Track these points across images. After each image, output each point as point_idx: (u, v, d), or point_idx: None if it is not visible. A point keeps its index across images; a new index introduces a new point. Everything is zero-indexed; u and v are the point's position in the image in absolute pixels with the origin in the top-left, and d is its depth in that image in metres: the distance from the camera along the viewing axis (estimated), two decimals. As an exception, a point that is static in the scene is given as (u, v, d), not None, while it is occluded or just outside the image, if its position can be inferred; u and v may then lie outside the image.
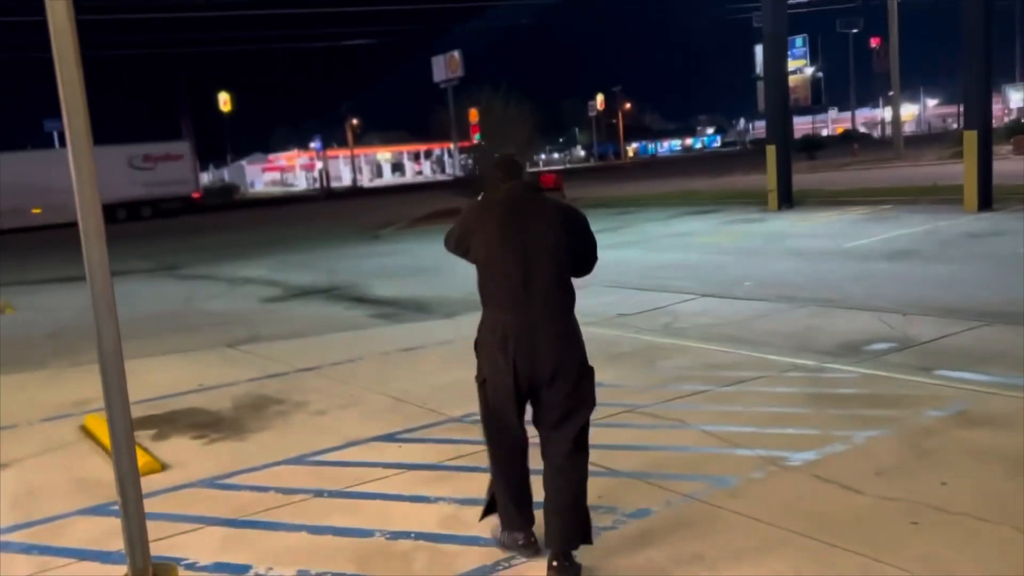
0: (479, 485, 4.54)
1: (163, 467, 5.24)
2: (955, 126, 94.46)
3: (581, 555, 3.58)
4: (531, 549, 3.64)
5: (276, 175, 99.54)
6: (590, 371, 3.58)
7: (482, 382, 3.63)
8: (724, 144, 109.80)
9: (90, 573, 3.89)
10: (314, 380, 7.23)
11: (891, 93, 39.00)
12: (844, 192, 20.91)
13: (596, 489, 4.31)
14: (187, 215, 49.70)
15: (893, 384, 5.84)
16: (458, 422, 5.70)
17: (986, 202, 15.39)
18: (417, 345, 8.34)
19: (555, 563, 3.43)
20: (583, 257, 3.66)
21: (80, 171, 2.08)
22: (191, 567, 3.85)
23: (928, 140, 56.82)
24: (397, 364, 7.64)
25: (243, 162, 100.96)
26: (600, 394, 3.77)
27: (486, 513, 3.79)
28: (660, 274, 12.04)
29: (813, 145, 45.15)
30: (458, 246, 3.74)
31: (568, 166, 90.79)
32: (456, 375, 6.98)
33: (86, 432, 6.08)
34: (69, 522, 4.48)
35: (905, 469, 4.29)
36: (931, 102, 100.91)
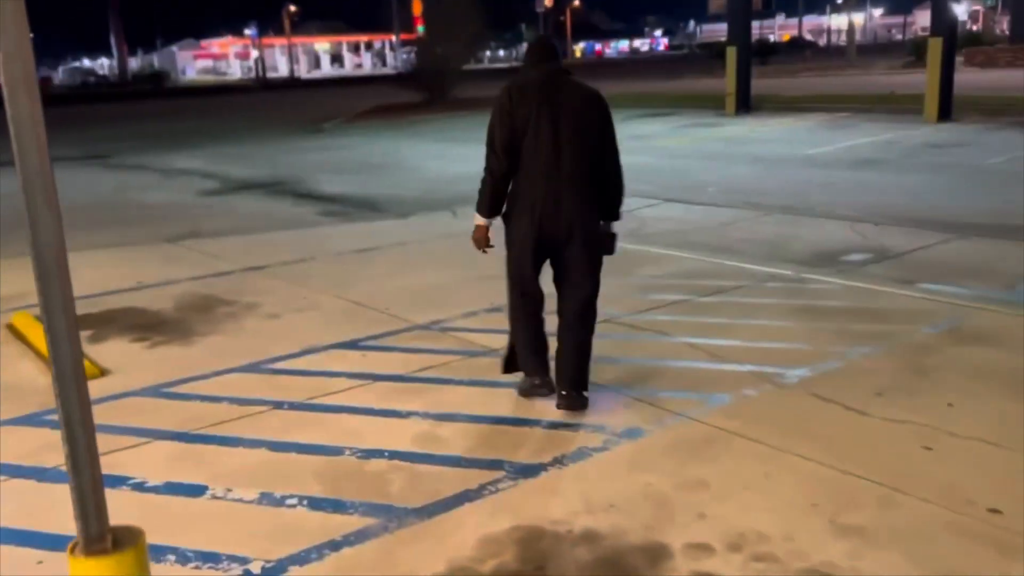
0: (453, 399, 4.22)
1: (102, 372, 4.77)
2: (899, 37, 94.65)
3: (574, 480, 3.29)
4: (546, 388, 4.09)
5: (209, 63, 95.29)
6: (607, 238, 4.15)
7: (510, 245, 4.04)
8: (672, 47, 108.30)
9: (24, 490, 3.47)
10: (264, 280, 6.75)
11: (839, 1, 38.48)
12: (801, 98, 20.61)
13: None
14: (114, 101, 47.38)
15: (878, 297, 5.63)
16: (425, 329, 5.32)
17: (946, 112, 15.25)
18: (372, 246, 7.87)
19: (564, 392, 3.99)
20: (609, 139, 4.05)
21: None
22: (139, 487, 3.46)
23: (876, 50, 56.66)
24: (353, 266, 7.19)
25: (174, 48, 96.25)
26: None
27: (507, 368, 4.25)
28: (620, 177, 11.65)
29: (766, 50, 44.52)
30: (510, 140, 3.95)
31: (514, 63, 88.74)
32: (417, 279, 6.58)
33: (13, 332, 5.54)
34: (-3, 435, 4.03)
35: (907, 389, 4.07)
36: (876, 12, 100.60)
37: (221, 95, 49.92)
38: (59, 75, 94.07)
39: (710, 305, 5.60)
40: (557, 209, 3.87)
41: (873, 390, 4.06)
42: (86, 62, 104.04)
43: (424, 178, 12.63)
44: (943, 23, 15.14)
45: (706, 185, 10.71)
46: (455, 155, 15.38)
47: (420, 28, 31.10)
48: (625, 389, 4.23)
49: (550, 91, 3.92)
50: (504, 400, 4.19)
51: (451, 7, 25.93)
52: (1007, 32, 43.49)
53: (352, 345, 5.07)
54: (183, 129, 24.38)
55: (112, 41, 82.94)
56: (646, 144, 15.18)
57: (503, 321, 5.17)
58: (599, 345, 4.86)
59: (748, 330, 5.07)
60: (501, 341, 4.56)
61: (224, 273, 7.01)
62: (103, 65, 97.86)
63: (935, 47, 15.07)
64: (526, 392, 4.16)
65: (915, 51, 34.82)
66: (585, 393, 4.02)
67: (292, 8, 78.96)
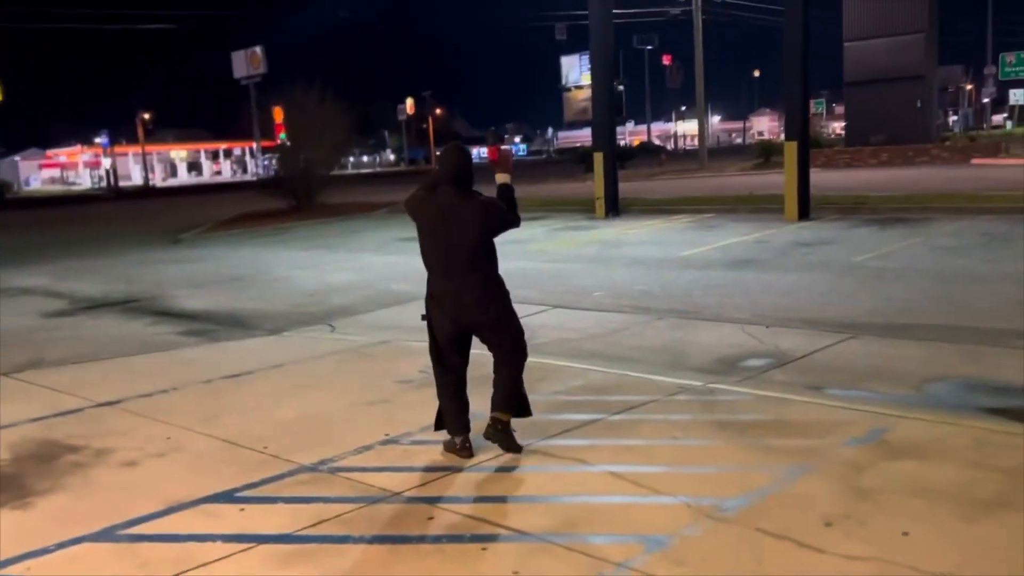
0: (353, 564, 3.59)
1: (-91, 554, 3.87)
2: (739, 140, 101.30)
3: None
4: (466, 452, 4.76)
5: (56, 172, 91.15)
6: (511, 317, 4.96)
7: (428, 322, 4.84)
8: (531, 153, 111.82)
9: None
10: (118, 418, 5.91)
11: (683, 108, 40.53)
12: (666, 200, 21.22)
13: (509, 559, 3.48)
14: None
15: (791, 407, 5.39)
16: (312, 471, 4.67)
17: (805, 212, 15.90)
18: (244, 370, 7.14)
19: (491, 420, 4.82)
20: (503, 229, 4.83)
21: None
22: None
23: (723, 153, 60.17)
24: (222, 395, 6.44)
25: (16, 157, 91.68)
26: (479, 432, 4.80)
27: (437, 427, 4.92)
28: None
29: (623, 155, 46.37)
30: (412, 217, 4.82)
31: (378, 169, 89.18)
32: (299, 408, 5.92)
33: None
34: None
35: (855, 516, 3.75)
36: (715, 118, 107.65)
37: (69, 205, 47.50)
38: None
39: (624, 424, 5.21)
40: (457, 307, 4.66)
41: (820, 520, 3.71)
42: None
43: (295, 290, 11.96)
44: (796, 128, 15.93)
45: (591, 290, 10.53)
46: (329, 264, 14.78)
47: (282, 135, 30.61)
48: (552, 536, 3.72)
49: (447, 211, 4.65)
50: (412, 559, 3.59)
51: (314, 114, 25.67)
52: (840, 134, 47.07)
53: (227, 497, 4.36)
54: (26, 243, 22.73)
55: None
56: (524, 248, 15.04)
57: (403, 455, 4.63)
58: (515, 482, 4.38)
59: (670, 452, 4.69)
60: (402, 481, 4.02)
61: (71, 411, 6.12)
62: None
63: (791, 150, 15.80)
64: (450, 449, 4.81)
65: (763, 153, 37.03)
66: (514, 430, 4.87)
67: (146, 116, 77.01)
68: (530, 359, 7.16)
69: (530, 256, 13.99)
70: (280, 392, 6.39)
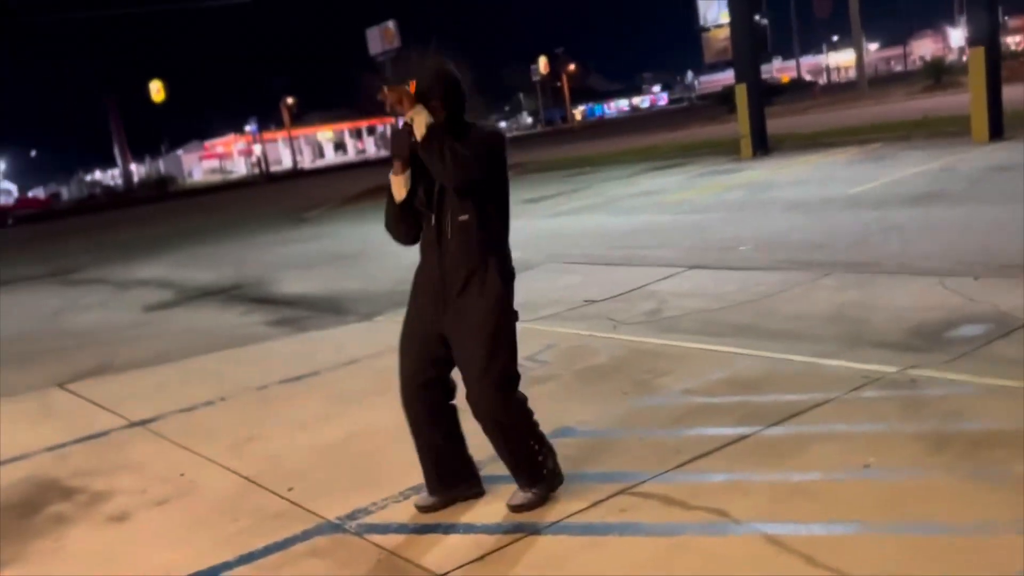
0: None
1: None
2: (899, 68, 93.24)
3: None
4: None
5: (215, 163, 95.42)
6: None
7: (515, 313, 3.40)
8: (671, 101, 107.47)
9: None
10: (142, 444, 4.81)
11: (835, 39, 37.00)
12: (824, 133, 18.71)
13: None
14: (116, 209, 46.62)
15: (1044, 404, 3.60)
16: (335, 531, 3.33)
17: (997, 130, 13.24)
18: (308, 371, 5.93)
19: None
20: None
21: None
22: None
23: (883, 81, 55.08)
24: (271, 407, 5.24)
25: (179, 152, 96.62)
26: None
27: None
28: (631, 242, 9.74)
29: (770, 91, 43.04)
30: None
31: (516, 133, 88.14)
32: (352, 423, 4.63)
33: None
34: None
35: None
36: (872, 46, 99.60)
37: (223, 192, 49.04)
38: (68, 190, 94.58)
39: (785, 443, 3.58)
40: None
41: None
42: (98, 174, 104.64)
43: (401, 264, 10.71)
44: (983, 31, 13.26)
45: (736, 243, 8.74)
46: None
47: None
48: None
49: None
50: None
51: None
52: (1019, 48, 41.83)
53: (212, 577, 3.09)
54: (169, 232, 22.92)
55: (116, 151, 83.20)
56: (657, 200, 13.30)
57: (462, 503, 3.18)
58: (617, 550, 2.88)
59: (864, 495, 3.04)
60: (452, 551, 2.64)
61: (96, 435, 5.08)
62: (113, 176, 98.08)
63: (977, 57, 13.14)
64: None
65: (933, 74, 33.12)
66: None
67: (290, 100, 78.97)
68: (652, 339, 5.64)
69: (665, 208, 12.26)
70: (337, 400, 5.12)
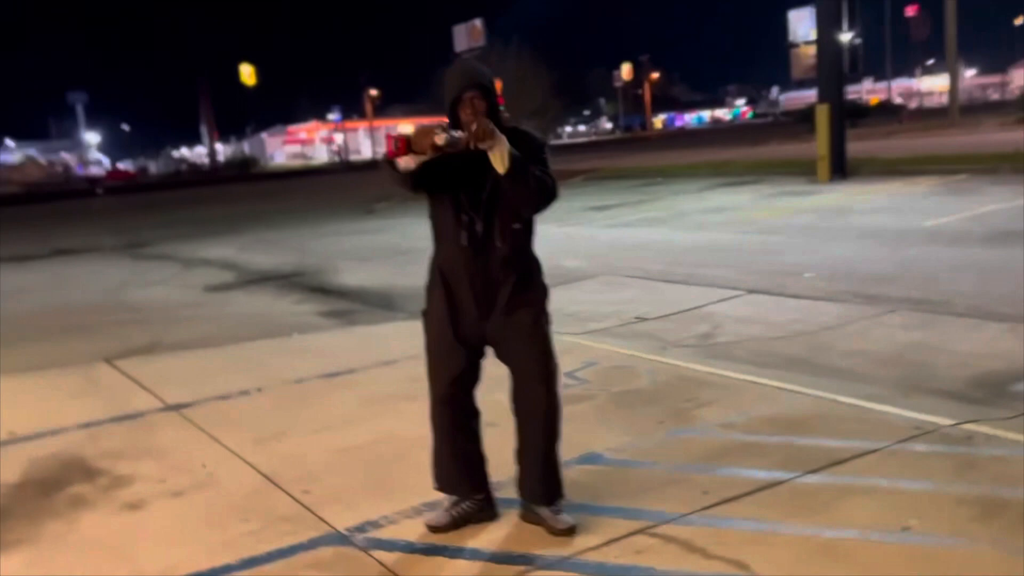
0: None
1: None
2: (996, 97, 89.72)
3: None
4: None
5: (297, 148, 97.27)
6: None
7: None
8: (756, 116, 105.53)
9: None
10: (172, 430, 4.81)
11: (930, 62, 35.66)
12: (906, 160, 18.05)
13: None
14: (201, 186, 47.92)
15: (1112, 477, 3.31)
16: (341, 543, 3.24)
17: (1094, 171, 12.58)
18: (346, 368, 5.88)
19: None
20: None
21: None
22: None
23: (977, 109, 53.11)
24: (305, 402, 5.19)
25: (263, 135, 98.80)
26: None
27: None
28: (692, 259, 9.49)
29: (855, 112, 41.88)
30: None
31: (594, 138, 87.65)
32: (380, 426, 4.55)
33: None
34: None
35: None
36: (969, 72, 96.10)
37: (301, 178, 49.95)
38: (156, 165, 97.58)
39: (822, 494, 3.36)
40: None
41: None
42: (185, 151, 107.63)
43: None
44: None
45: (802, 269, 8.43)
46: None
47: (501, 107, 30.19)
48: None
49: None
50: None
51: (531, 87, 25.16)
52: None
53: (210, 580, 3.03)
54: (241, 213, 23.41)
55: (203, 130, 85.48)
56: (726, 218, 12.98)
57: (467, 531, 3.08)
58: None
59: (909, 567, 2.81)
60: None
61: (130, 416, 5.11)
62: (199, 154, 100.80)
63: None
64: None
65: (1027, 106, 31.76)
66: None
67: (373, 92, 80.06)
68: (699, 366, 5.42)
69: (731, 226, 11.94)
70: (369, 401, 5.05)
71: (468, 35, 51.14)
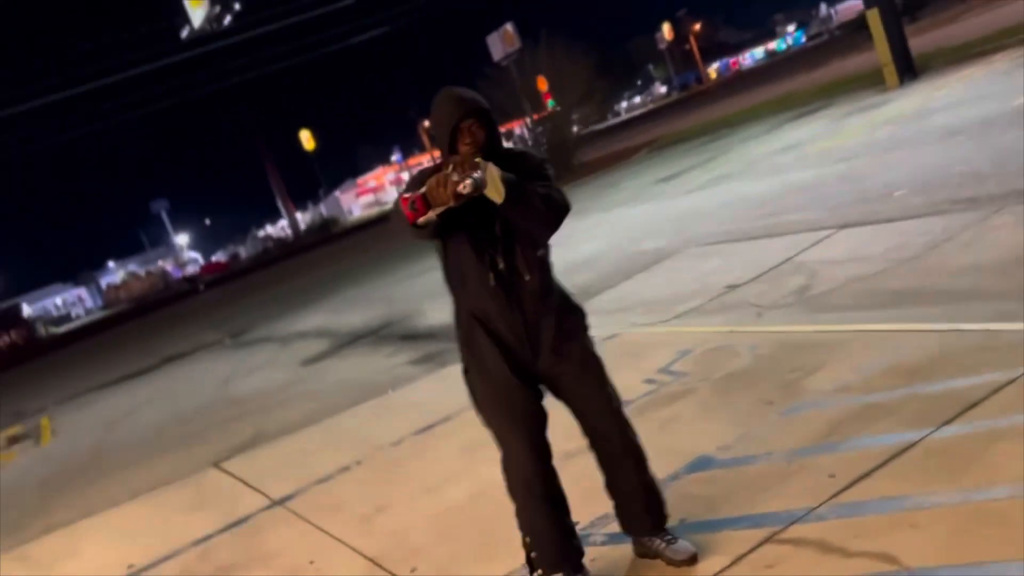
0: None
1: None
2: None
3: None
4: None
5: (370, 197, 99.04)
6: None
7: None
8: (809, 38, 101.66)
9: None
10: (279, 528, 4.71)
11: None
12: (978, 41, 16.85)
13: None
14: (288, 259, 49.26)
15: None
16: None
17: None
18: (441, 417, 5.70)
19: None
20: None
21: None
22: None
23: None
24: (402, 467, 5.03)
25: (336, 193, 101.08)
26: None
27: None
28: (774, 208, 8.99)
29: (912, 5, 39.73)
30: None
31: (651, 106, 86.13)
32: (476, 480, 4.33)
33: None
34: None
35: None
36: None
37: (377, 225, 50.69)
38: (245, 249, 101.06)
39: (963, 448, 2.94)
40: None
41: None
42: (269, 228, 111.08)
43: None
44: None
45: (891, 189, 7.84)
46: (578, 232, 13.15)
47: (550, 103, 29.84)
48: None
49: None
50: None
51: (574, 73, 24.93)
52: None
53: None
54: (328, 275, 23.83)
55: (279, 204, 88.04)
56: (800, 154, 12.33)
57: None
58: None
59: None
60: None
61: (239, 521, 5.05)
62: (282, 227, 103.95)
63: None
64: None
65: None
66: None
67: (427, 123, 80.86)
68: (801, 327, 4.99)
69: (807, 161, 11.30)
70: (464, 451, 4.83)
71: (502, 41, 50.94)
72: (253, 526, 4.91)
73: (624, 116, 79.86)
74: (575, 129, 26.45)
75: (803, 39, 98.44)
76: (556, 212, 2.69)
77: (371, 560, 3.80)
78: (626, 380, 4.96)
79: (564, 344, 2.84)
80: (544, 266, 2.85)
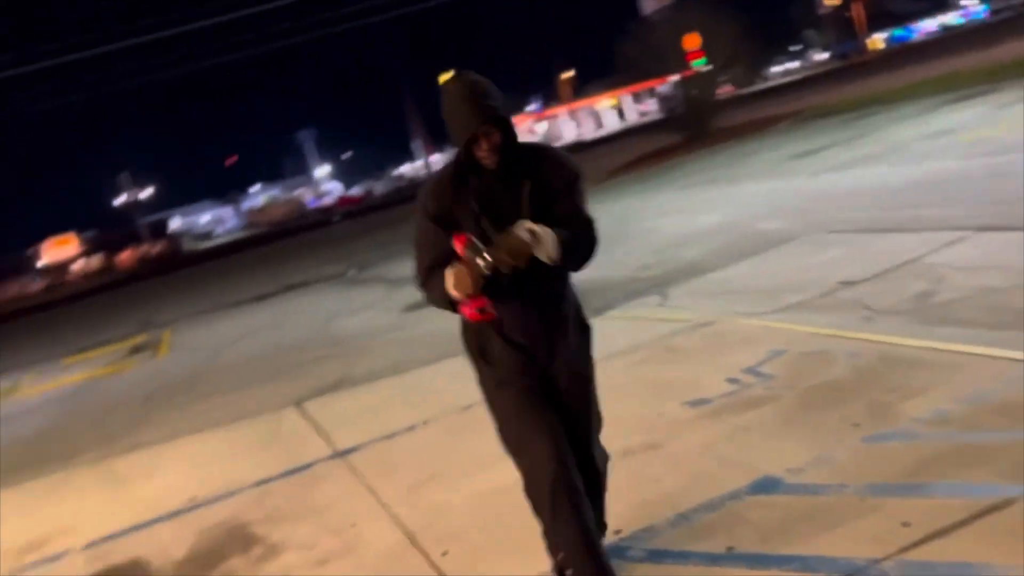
0: None
1: None
2: None
3: None
4: None
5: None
6: None
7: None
8: (993, 12, 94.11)
9: None
10: (334, 482, 4.68)
11: None
12: None
13: None
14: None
15: None
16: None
17: None
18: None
19: None
20: None
21: None
22: None
23: None
24: (463, 435, 4.88)
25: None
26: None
27: None
28: (911, 199, 8.28)
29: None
30: None
31: (806, 74, 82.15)
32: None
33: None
34: None
35: None
36: None
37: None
38: (380, 186, 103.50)
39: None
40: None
41: None
42: (404, 168, 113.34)
43: (650, 245, 10.08)
44: None
45: (1045, 191, 7.05)
46: (700, 203, 12.62)
47: (695, 62, 28.83)
48: None
49: None
50: None
51: (725, 33, 23.99)
52: None
53: None
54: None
55: (416, 145, 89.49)
56: (951, 142, 11.34)
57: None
58: None
59: None
60: None
61: (300, 468, 5.05)
62: (417, 168, 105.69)
63: None
64: None
65: None
66: None
67: (568, 75, 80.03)
68: (910, 340, 4.49)
69: (957, 151, 10.37)
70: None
71: (655, -7, 49.52)
72: (311, 475, 4.89)
73: (774, 82, 76.60)
74: (720, 91, 25.47)
75: (984, 14, 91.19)
76: (589, 255, 2.62)
77: (408, 535, 3.68)
78: (709, 376, 4.65)
79: (575, 361, 2.72)
80: (559, 272, 2.64)
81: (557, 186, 2.56)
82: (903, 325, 4.77)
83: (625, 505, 3.30)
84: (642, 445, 3.93)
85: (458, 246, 2.49)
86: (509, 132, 2.52)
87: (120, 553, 4.40)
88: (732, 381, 4.45)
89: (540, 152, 2.63)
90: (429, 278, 2.60)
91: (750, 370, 4.54)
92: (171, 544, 4.32)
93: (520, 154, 2.54)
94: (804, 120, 21.76)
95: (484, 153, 2.49)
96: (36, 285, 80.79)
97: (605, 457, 2.88)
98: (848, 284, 5.99)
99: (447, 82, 2.53)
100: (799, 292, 6.10)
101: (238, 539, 4.17)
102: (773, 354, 4.74)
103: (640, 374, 5.12)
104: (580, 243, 2.55)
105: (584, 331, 2.79)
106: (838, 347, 4.61)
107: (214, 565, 3.93)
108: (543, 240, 2.41)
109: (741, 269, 7.53)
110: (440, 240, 2.56)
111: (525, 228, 2.40)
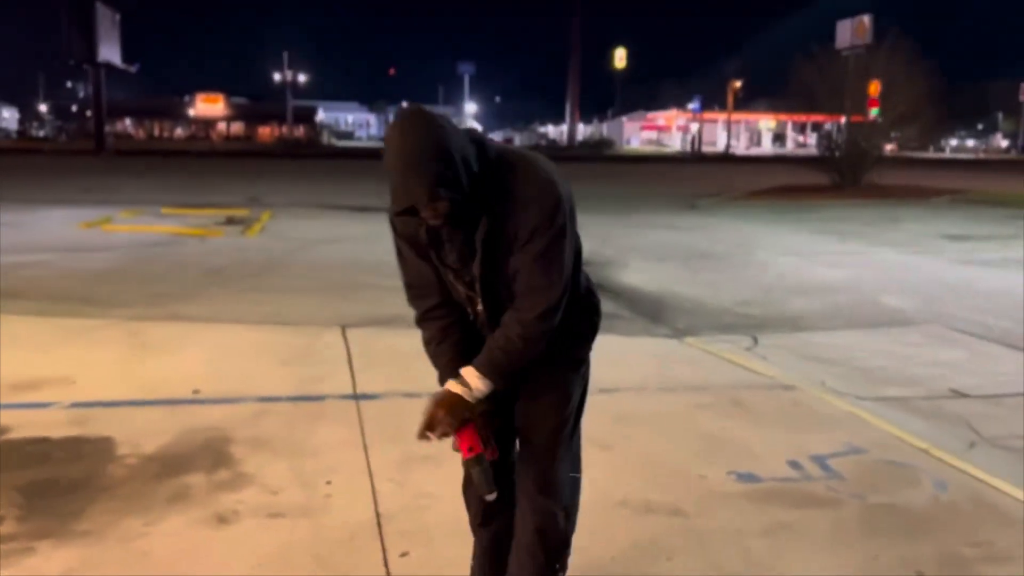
0: None
1: None
2: None
3: None
4: None
5: (653, 134, 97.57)
6: None
7: None
8: None
9: None
10: (338, 426, 4.29)
11: None
12: None
13: None
14: (555, 161, 49.55)
15: None
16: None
17: None
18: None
19: None
20: None
21: None
22: None
23: None
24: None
25: (623, 118, 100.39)
26: None
27: None
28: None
29: None
30: None
31: (982, 156, 77.48)
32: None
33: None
34: None
35: None
36: None
37: (646, 164, 49.62)
38: (520, 137, 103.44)
39: None
40: None
41: None
42: (550, 127, 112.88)
43: (758, 281, 9.35)
44: None
45: None
46: (828, 254, 11.72)
47: (874, 111, 27.28)
48: None
49: None
50: None
51: (912, 90, 22.56)
52: None
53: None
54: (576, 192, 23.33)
55: (567, 110, 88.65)
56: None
57: None
58: None
59: None
60: None
61: (313, 397, 4.70)
62: (561, 131, 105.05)
63: None
64: None
65: None
66: None
67: (737, 84, 77.52)
68: (1018, 495, 3.76)
69: None
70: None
71: (852, 30, 47.15)
72: (319, 409, 4.54)
73: (946, 155, 72.55)
74: (888, 147, 24.06)
75: None
76: (537, 349, 2.18)
77: (377, 516, 3.25)
78: (770, 450, 4.05)
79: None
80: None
81: (519, 233, 2.03)
82: (1010, 466, 4.06)
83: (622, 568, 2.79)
84: (666, 508, 3.39)
85: (462, 447, 2.23)
86: (459, 194, 1.95)
87: (99, 424, 4.14)
88: (794, 465, 3.85)
89: (511, 181, 2.04)
90: (421, 320, 2.40)
91: (818, 459, 3.92)
92: (148, 435, 4.02)
93: (484, 187, 1.99)
94: (965, 202, 20.24)
95: (428, 215, 1.97)
96: (180, 132, 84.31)
97: (566, 516, 2.37)
98: (960, 395, 5.25)
99: (391, 124, 1.96)
100: (903, 386, 5.39)
101: (210, 454, 3.83)
102: (850, 449, 4.09)
103: (696, 420, 4.54)
104: (515, 351, 2.13)
105: (572, 366, 2.33)
106: (927, 467, 3.93)
107: (173, 474, 3.60)
108: (457, 406, 2.19)
109: (848, 339, 6.79)
110: (411, 259, 2.25)
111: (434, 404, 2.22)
